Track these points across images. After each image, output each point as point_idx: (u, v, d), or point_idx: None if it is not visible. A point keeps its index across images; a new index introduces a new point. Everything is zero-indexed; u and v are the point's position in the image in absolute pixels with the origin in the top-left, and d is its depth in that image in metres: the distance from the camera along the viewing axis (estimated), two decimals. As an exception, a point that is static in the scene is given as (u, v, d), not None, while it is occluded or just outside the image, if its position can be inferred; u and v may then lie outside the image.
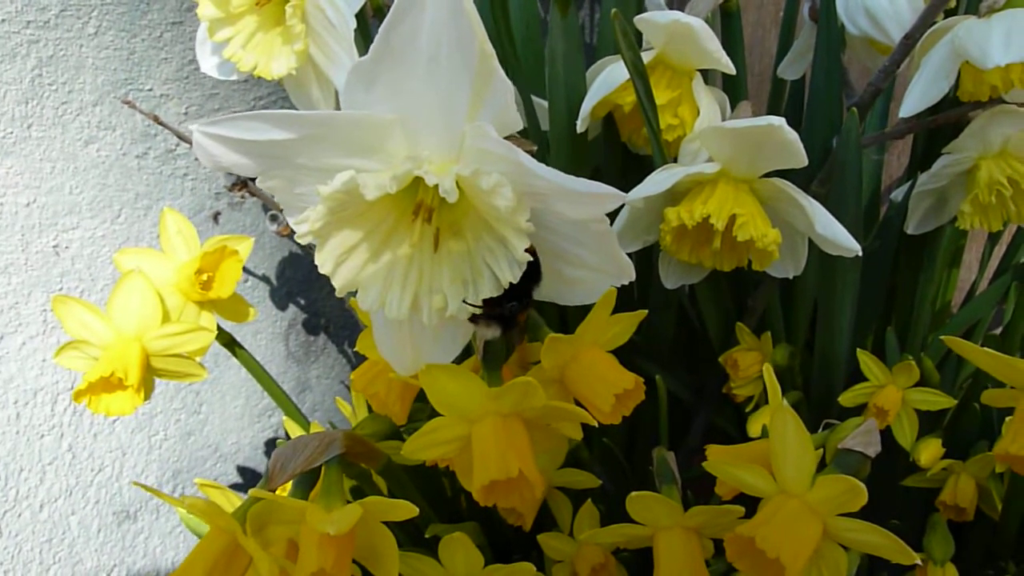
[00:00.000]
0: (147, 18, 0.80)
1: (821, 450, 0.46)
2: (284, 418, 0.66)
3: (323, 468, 0.40)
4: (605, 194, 0.35)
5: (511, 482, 0.39)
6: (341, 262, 0.38)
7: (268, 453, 0.95)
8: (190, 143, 0.76)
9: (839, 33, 0.61)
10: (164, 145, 0.82)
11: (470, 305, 0.38)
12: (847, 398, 0.62)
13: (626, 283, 0.42)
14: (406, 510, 0.37)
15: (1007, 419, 0.46)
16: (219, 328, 0.59)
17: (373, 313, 0.41)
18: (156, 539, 0.89)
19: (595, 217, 0.39)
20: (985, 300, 0.78)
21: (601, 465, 0.71)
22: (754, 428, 0.62)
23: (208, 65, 0.62)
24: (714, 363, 0.70)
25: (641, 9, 0.61)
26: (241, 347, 0.60)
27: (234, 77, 0.62)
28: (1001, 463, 0.46)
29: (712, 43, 0.53)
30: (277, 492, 0.39)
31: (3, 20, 0.72)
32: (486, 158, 0.36)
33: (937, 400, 0.60)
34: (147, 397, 0.53)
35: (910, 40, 0.57)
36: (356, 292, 0.39)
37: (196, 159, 0.83)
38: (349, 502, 0.39)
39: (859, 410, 0.64)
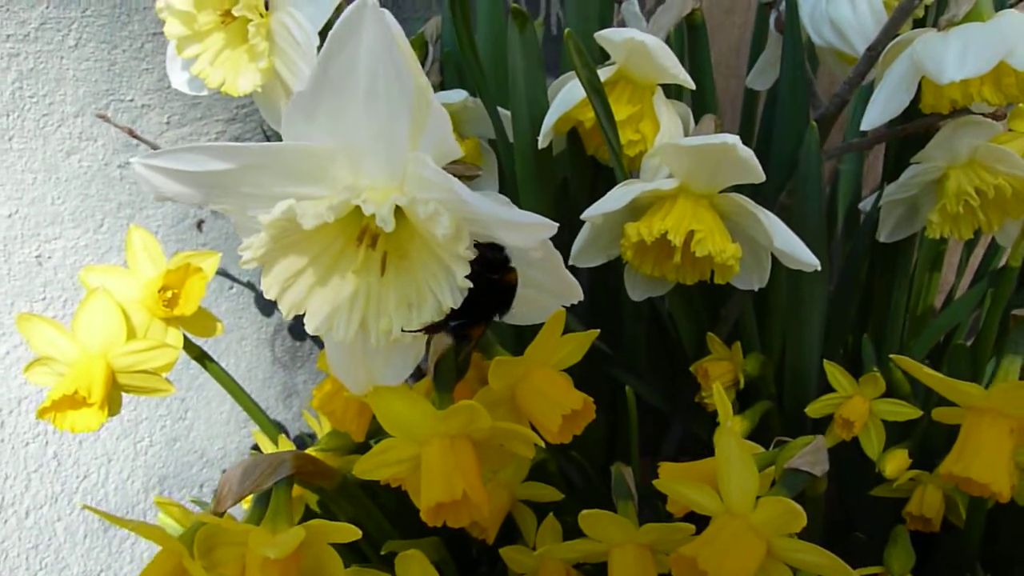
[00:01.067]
0: (127, 29, 0.81)
1: (772, 468, 0.47)
2: (254, 430, 0.66)
3: (272, 489, 0.40)
4: (537, 224, 0.35)
5: (456, 503, 0.40)
6: (287, 287, 0.39)
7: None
8: (166, 155, 0.77)
9: (804, 45, 0.61)
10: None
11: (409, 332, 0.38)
12: (814, 408, 0.62)
13: (574, 303, 0.43)
14: (349, 533, 0.38)
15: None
16: (190, 342, 0.59)
17: (322, 335, 0.42)
18: (143, 544, 0.89)
19: (534, 245, 0.40)
20: (962, 306, 0.78)
21: (578, 473, 0.72)
22: (721, 439, 0.62)
23: (179, 81, 0.63)
24: (689, 372, 0.70)
25: (605, 24, 0.62)
26: (212, 360, 0.61)
27: (204, 93, 0.62)
28: (946, 483, 0.46)
29: (668, 60, 0.53)
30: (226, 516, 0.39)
31: (-18, 34, 0.73)
32: (426, 185, 0.37)
33: (903, 411, 0.60)
34: (113, 413, 0.53)
35: (873, 52, 0.58)
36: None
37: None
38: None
39: (830, 420, 0.64)
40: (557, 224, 0.34)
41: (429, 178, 0.36)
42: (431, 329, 0.39)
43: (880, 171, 0.85)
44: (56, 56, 0.77)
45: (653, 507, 0.60)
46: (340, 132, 0.36)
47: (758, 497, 0.42)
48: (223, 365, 0.92)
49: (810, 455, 0.43)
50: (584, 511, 0.45)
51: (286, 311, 0.39)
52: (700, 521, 0.46)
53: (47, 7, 0.76)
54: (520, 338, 0.61)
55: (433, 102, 0.35)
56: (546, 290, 0.42)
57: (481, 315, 0.41)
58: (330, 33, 0.34)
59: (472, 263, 0.36)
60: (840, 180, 0.81)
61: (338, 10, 0.65)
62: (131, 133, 0.71)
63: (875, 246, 0.72)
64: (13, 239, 0.77)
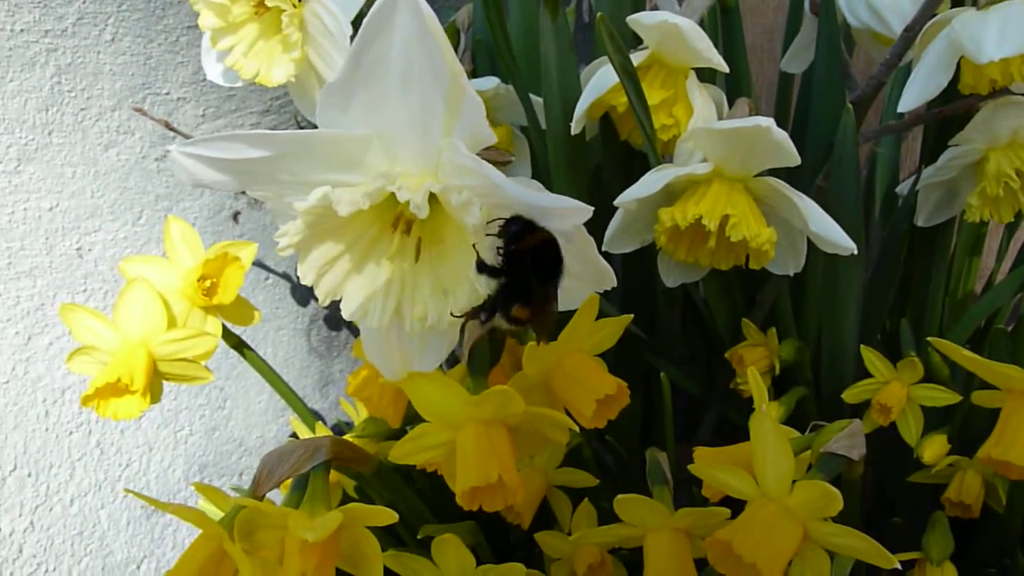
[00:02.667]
0: (163, 23, 0.82)
1: (808, 453, 0.46)
2: (292, 418, 0.67)
3: (310, 474, 0.41)
4: (573, 208, 0.35)
5: (491, 487, 0.40)
6: (323, 273, 0.39)
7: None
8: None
9: (839, 27, 0.61)
10: (182, 147, 0.84)
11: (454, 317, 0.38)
12: (851, 394, 0.61)
13: (607, 289, 0.43)
14: (386, 516, 0.38)
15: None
16: (228, 331, 0.60)
17: (357, 321, 0.42)
18: (184, 530, 0.91)
19: (569, 229, 0.39)
20: (1002, 290, 0.77)
21: (613, 458, 0.72)
22: (757, 425, 0.62)
23: (213, 73, 0.63)
24: (724, 358, 0.70)
25: (638, 8, 0.61)
26: (250, 349, 0.62)
27: (239, 84, 0.63)
28: (986, 467, 0.45)
29: (702, 42, 0.53)
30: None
31: (22, 30, 0.74)
32: (460, 172, 0.37)
33: (942, 396, 0.60)
34: (155, 400, 0.54)
35: (911, 32, 0.57)
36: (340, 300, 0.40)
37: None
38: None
39: (867, 406, 0.64)
40: (592, 208, 0.34)
41: (463, 164, 0.36)
42: (474, 314, 0.39)
43: (918, 154, 0.84)
44: (93, 51, 0.78)
45: (688, 492, 0.60)
46: (374, 120, 0.36)
47: (794, 481, 0.42)
48: (260, 354, 0.93)
49: (847, 439, 0.43)
50: (619, 496, 0.45)
51: (322, 297, 0.39)
52: (736, 506, 0.46)
53: (84, 2, 0.77)
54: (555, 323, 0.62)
55: (467, 88, 0.35)
56: (579, 277, 0.42)
57: (520, 291, 0.40)
58: (364, 21, 0.34)
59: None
60: (877, 163, 0.80)
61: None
62: (167, 126, 0.72)
63: (913, 230, 0.71)
64: (54, 232, 0.79)
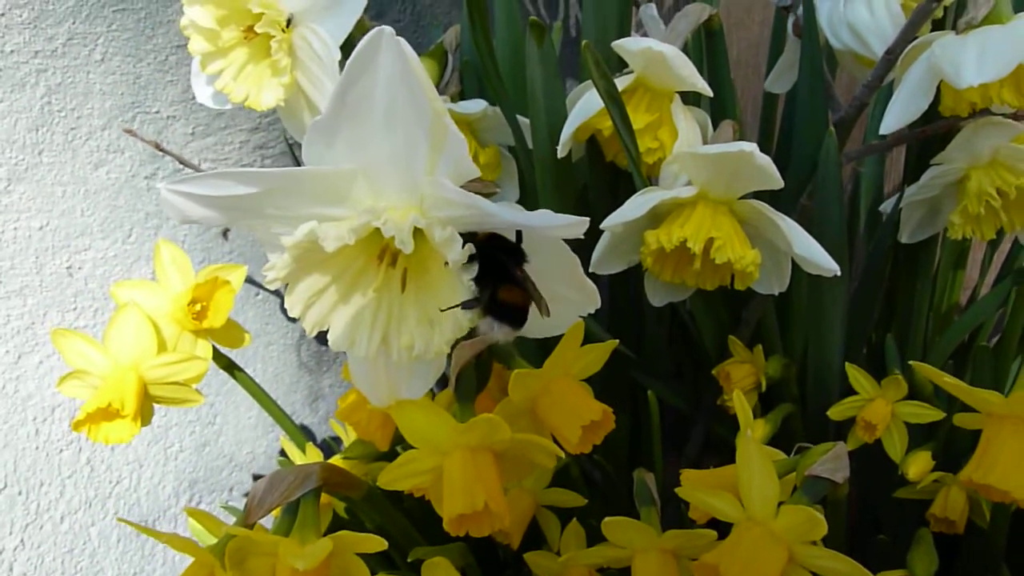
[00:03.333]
0: (152, 43, 0.82)
1: (793, 474, 0.47)
2: (282, 437, 0.67)
3: (300, 501, 0.41)
4: (567, 224, 0.36)
5: (478, 514, 0.41)
6: (310, 304, 0.40)
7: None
8: (192, 167, 0.79)
9: (822, 48, 0.61)
10: (172, 165, 0.84)
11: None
12: (836, 411, 0.62)
13: (592, 310, 0.43)
14: (375, 543, 0.39)
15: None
16: (218, 353, 0.60)
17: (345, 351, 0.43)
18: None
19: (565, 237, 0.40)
20: (986, 304, 0.77)
21: (601, 475, 0.72)
22: (743, 443, 0.62)
23: (203, 95, 0.64)
24: (712, 374, 0.71)
25: (623, 30, 0.62)
26: (240, 370, 0.62)
27: (228, 107, 0.63)
28: (967, 488, 0.46)
29: (686, 69, 0.53)
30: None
31: (12, 51, 0.75)
32: (446, 204, 0.38)
33: (926, 413, 0.60)
34: (146, 423, 0.55)
35: (892, 55, 0.57)
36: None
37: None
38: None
39: (853, 422, 0.64)
40: (587, 219, 0.35)
41: (448, 198, 0.37)
42: (468, 305, 0.39)
43: (902, 170, 0.85)
44: (83, 71, 0.79)
45: (677, 508, 0.61)
46: (360, 156, 0.37)
47: (780, 504, 0.42)
48: (250, 371, 0.93)
49: (831, 462, 0.44)
50: (607, 518, 0.46)
51: (309, 328, 0.40)
52: (722, 527, 0.46)
53: (74, 23, 0.77)
54: (541, 347, 0.62)
55: (450, 125, 0.36)
56: (565, 298, 0.42)
57: (498, 276, 0.40)
58: (349, 61, 0.34)
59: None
60: (862, 180, 0.81)
61: (359, 24, 0.67)
62: (156, 146, 0.72)
63: (897, 245, 0.72)
64: (44, 251, 0.79)
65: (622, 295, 0.70)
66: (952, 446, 0.64)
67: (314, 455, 0.63)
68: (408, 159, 0.37)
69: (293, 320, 0.98)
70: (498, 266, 0.38)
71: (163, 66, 0.83)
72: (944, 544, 0.61)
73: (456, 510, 0.40)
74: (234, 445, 0.95)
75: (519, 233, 0.39)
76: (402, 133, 0.36)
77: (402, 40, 0.34)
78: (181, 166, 0.85)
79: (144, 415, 0.54)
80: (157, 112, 0.83)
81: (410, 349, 0.40)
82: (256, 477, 0.97)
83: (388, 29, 0.34)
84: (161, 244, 0.56)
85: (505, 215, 0.36)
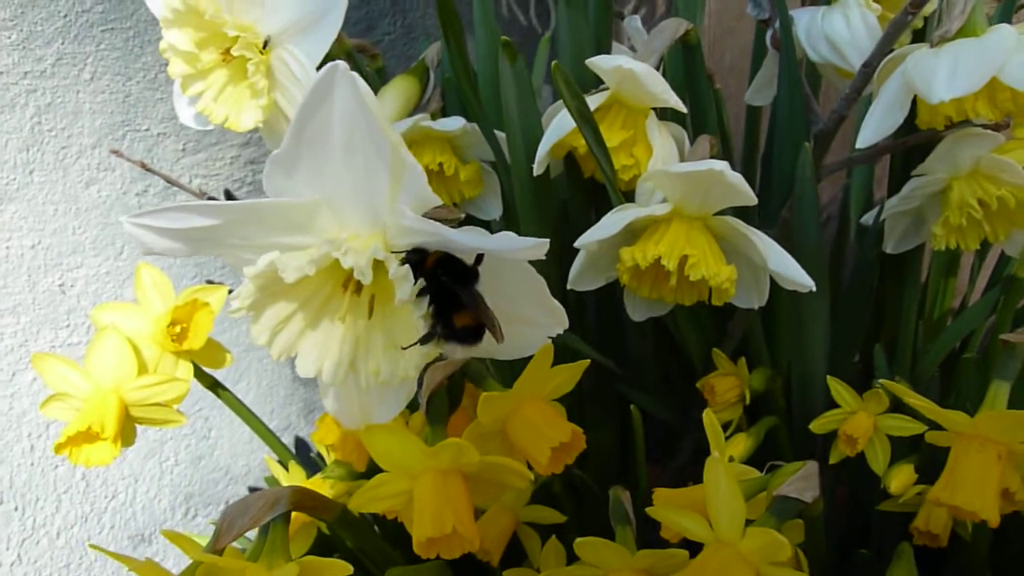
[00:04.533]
0: (141, 61, 0.83)
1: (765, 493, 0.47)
2: (266, 456, 0.68)
3: (268, 525, 0.42)
4: (528, 247, 0.36)
5: (447, 537, 0.41)
6: (277, 332, 0.40)
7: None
8: (180, 186, 0.79)
9: (802, 61, 0.61)
10: (163, 181, 0.85)
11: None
12: (818, 425, 0.62)
13: (560, 332, 0.43)
14: (341, 569, 0.39)
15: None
16: (203, 372, 0.61)
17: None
18: (171, 560, 0.92)
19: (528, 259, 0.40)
20: (975, 313, 0.77)
21: (583, 491, 0.72)
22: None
23: (186, 116, 0.64)
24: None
25: (601, 44, 0.62)
26: (225, 388, 0.63)
27: (210, 127, 0.64)
28: (935, 510, 0.46)
29: (658, 86, 0.53)
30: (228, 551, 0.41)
31: (1, 72, 0.75)
32: (408, 233, 0.38)
33: (909, 426, 0.60)
34: (127, 444, 0.55)
35: (869, 68, 0.57)
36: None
37: (196, 191, 0.86)
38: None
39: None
40: (548, 240, 0.35)
41: (410, 227, 0.37)
42: (424, 339, 0.39)
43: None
44: (72, 90, 0.79)
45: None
46: (321, 187, 0.37)
47: (750, 523, 0.43)
48: (244, 384, 0.95)
49: (800, 481, 0.44)
50: (579, 539, 0.46)
51: (276, 354, 0.40)
52: (696, 546, 0.46)
53: (63, 43, 0.78)
54: (517, 365, 0.62)
55: (407, 158, 0.36)
56: (532, 319, 0.42)
57: (448, 302, 0.39)
58: (303, 97, 0.35)
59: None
60: (851, 190, 0.81)
61: (339, 42, 0.67)
62: (143, 166, 0.73)
63: (884, 256, 0.72)
64: (37, 269, 0.80)
65: (607, 308, 0.70)
66: (936, 459, 0.64)
67: (296, 473, 0.63)
68: (370, 189, 0.37)
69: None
70: (448, 294, 0.38)
71: (152, 84, 0.84)
72: (929, 557, 0.61)
73: (425, 533, 0.40)
74: (229, 458, 0.96)
75: (479, 255, 0.40)
76: (362, 165, 0.37)
77: (355, 75, 0.34)
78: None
79: (126, 436, 0.55)
80: (147, 130, 0.84)
81: (377, 375, 0.40)
82: (252, 490, 0.98)
83: (342, 64, 0.34)
84: (142, 267, 0.56)
85: (466, 241, 0.36)
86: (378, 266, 0.37)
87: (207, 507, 0.94)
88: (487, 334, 0.40)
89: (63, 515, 0.85)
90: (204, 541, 0.62)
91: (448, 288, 0.37)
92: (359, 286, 0.40)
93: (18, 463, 0.81)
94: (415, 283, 0.37)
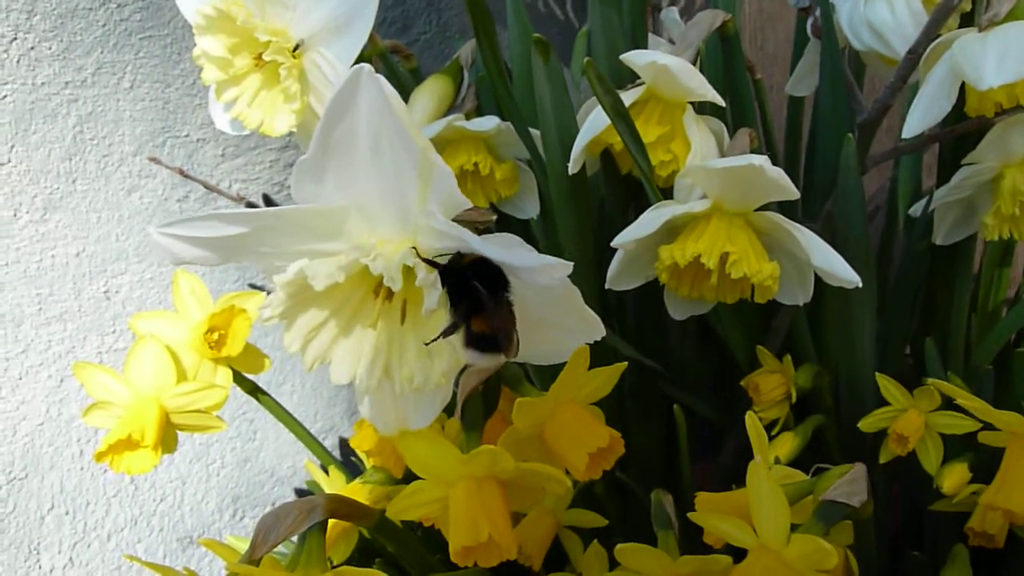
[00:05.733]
0: (179, 68, 0.83)
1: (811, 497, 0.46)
2: (306, 460, 0.68)
3: (306, 534, 0.41)
4: (552, 265, 0.35)
5: (484, 545, 0.40)
6: (310, 340, 0.40)
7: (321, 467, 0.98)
8: (218, 191, 0.80)
9: (844, 49, 0.59)
10: (204, 188, 0.85)
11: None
12: (867, 423, 0.60)
13: (596, 339, 0.42)
14: (377, 578, 0.39)
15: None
16: (243, 377, 0.61)
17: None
18: (220, 562, 0.93)
19: (555, 284, 0.39)
20: (1029, 305, 0.75)
21: (640, 483, 0.71)
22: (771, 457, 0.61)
23: (222, 123, 0.64)
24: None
25: (636, 37, 0.61)
26: (265, 393, 0.63)
27: (247, 132, 0.64)
28: (991, 511, 0.44)
29: (694, 80, 0.52)
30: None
31: (43, 83, 0.76)
32: (438, 236, 0.37)
33: (962, 424, 0.58)
34: (168, 451, 0.56)
35: (914, 55, 0.56)
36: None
37: (236, 196, 0.86)
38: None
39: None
40: (572, 264, 0.34)
41: (440, 230, 0.37)
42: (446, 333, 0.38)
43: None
44: (113, 99, 0.80)
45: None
46: (350, 192, 0.37)
47: (796, 528, 0.41)
48: (288, 386, 0.95)
49: (847, 485, 0.42)
50: (620, 545, 0.45)
51: (309, 363, 0.40)
52: (740, 551, 0.45)
53: (102, 52, 0.79)
54: (556, 367, 0.62)
55: (436, 160, 0.35)
56: (565, 328, 0.42)
57: (472, 306, 0.38)
58: (328, 101, 0.34)
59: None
60: (899, 178, 0.78)
61: (371, 43, 0.67)
62: (182, 173, 0.73)
63: (934, 247, 0.70)
64: (82, 276, 0.81)
65: (648, 307, 0.69)
66: (992, 456, 0.62)
67: (336, 478, 0.63)
68: (399, 192, 0.37)
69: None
70: (472, 298, 0.37)
71: (191, 90, 0.84)
72: (985, 558, 0.59)
73: (461, 542, 0.40)
74: (275, 460, 0.96)
75: None
76: (391, 168, 0.36)
77: (381, 78, 0.34)
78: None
79: (167, 443, 0.55)
80: (187, 136, 0.85)
81: (411, 380, 0.40)
82: (298, 492, 0.98)
83: (367, 67, 0.34)
84: (180, 274, 0.57)
85: (492, 253, 0.36)
86: (408, 272, 0.36)
87: (254, 508, 0.95)
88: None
89: (113, 519, 0.86)
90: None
91: (474, 291, 0.36)
92: (390, 292, 0.39)
93: (68, 468, 0.83)
94: (444, 286, 0.36)
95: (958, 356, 0.74)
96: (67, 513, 0.83)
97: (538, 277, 0.37)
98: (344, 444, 1.01)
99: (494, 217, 0.41)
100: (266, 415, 0.94)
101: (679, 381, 0.71)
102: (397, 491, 0.54)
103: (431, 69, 0.69)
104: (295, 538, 0.43)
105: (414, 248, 0.37)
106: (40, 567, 0.82)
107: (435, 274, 0.35)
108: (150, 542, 0.88)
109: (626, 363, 0.48)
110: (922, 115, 0.54)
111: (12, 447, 0.79)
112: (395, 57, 0.70)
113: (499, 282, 0.37)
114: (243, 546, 0.64)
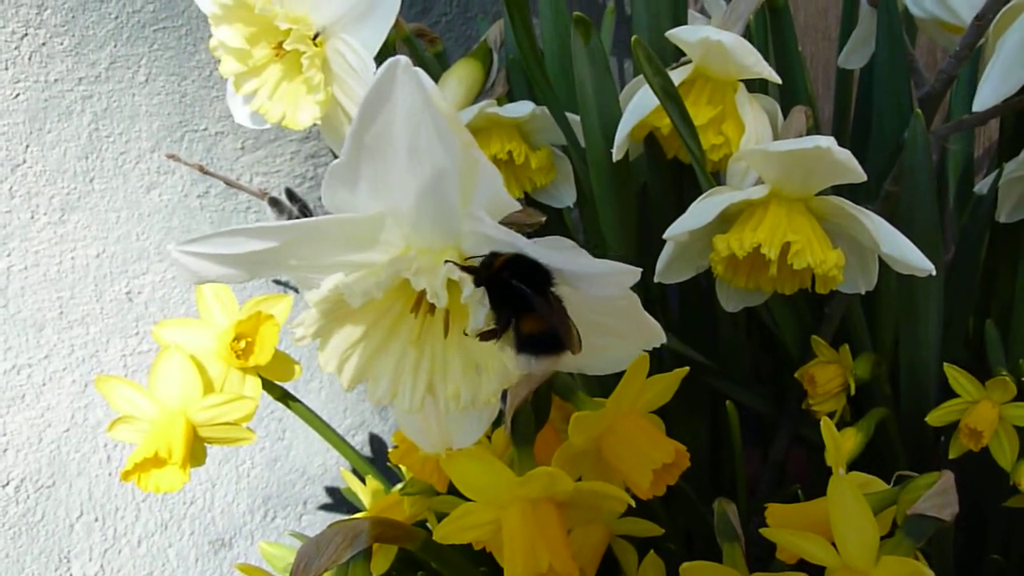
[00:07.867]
0: (195, 59, 0.80)
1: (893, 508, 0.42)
2: (342, 470, 0.65)
3: (349, 564, 0.39)
4: (617, 272, 0.32)
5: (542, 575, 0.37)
6: (346, 358, 0.37)
7: (354, 471, 0.96)
8: (238, 187, 0.77)
9: (901, 16, 0.55)
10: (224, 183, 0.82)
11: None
12: (936, 416, 0.57)
13: (656, 347, 0.39)
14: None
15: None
16: (272, 383, 0.58)
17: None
18: (252, 563, 0.90)
19: (618, 294, 0.35)
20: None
21: (687, 481, 0.68)
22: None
23: (241, 116, 0.61)
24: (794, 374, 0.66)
25: (679, 14, 0.57)
26: (295, 399, 0.60)
27: (267, 126, 0.61)
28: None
29: (749, 57, 0.48)
30: None
31: (56, 80, 0.73)
32: (486, 243, 0.34)
33: (1040, 416, 0.54)
34: (197, 465, 0.53)
35: (983, 20, 0.51)
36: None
37: (257, 191, 0.83)
38: None
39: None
40: (640, 269, 0.31)
41: (489, 235, 0.33)
42: (487, 336, 0.35)
43: (993, 140, 0.77)
44: (128, 94, 0.77)
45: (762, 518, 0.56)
46: (386, 197, 0.33)
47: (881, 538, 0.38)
48: (317, 383, 0.92)
49: (937, 496, 0.39)
50: (685, 564, 0.42)
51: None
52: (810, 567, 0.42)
53: (115, 46, 0.76)
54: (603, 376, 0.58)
55: (480, 157, 0.32)
56: (622, 335, 0.38)
57: (518, 307, 0.34)
58: (362, 99, 0.31)
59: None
60: (949, 155, 0.74)
61: (397, 28, 0.63)
62: (201, 170, 0.70)
63: (994, 225, 0.65)
64: (103, 277, 0.78)
65: (693, 296, 0.66)
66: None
67: (375, 487, 0.60)
68: (439, 195, 0.33)
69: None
70: (518, 298, 0.33)
71: (208, 82, 0.81)
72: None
73: (518, 573, 0.37)
74: (305, 458, 0.94)
75: None
76: (430, 168, 0.33)
77: (419, 71, 0.30)
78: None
79: (196, 457, 0.53)
80: (205, 129, 0.81)
81: (457, 399, 0.36)
82: (329, 490, 0.96)
83: (404, 59, 0.30)
84: (203, 280, 0.54)
85: (547, 260, 0.32)
86: (452, 285, 0.33)
87: (285, 508, 0.93)
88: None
89: (143, 523, 0.84)
90: (279, 549, 0.60)
91: (518, 291, 0.33)
92: (432, 306, 0.36)
93: (96, 474, 0.81)
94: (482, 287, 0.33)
95: (1021, 339, 0.70)
96: (96, 520, 0.81)
97: (602, 287, 0.33)
98: (375, 440, 0.98)
99: (543, 218, 0.38)
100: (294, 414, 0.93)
101: (727, 375, 0.67)
102: (439, 503, 0.51)
103: (453, 53, 0.66)
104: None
105: (454, 258, 0.34)
106: (71, 575, 0.80)
107: (482, 290, 0.32)
108: (181, 546, 0.86)
109: (687, 369, 0.44)
110: (995, 87, 0.50)
111: (39, 455, 0.77)
112: (420, 42, 0.66)
113: (539, 276, 0.33)
114: (276, 552, 0.62)
